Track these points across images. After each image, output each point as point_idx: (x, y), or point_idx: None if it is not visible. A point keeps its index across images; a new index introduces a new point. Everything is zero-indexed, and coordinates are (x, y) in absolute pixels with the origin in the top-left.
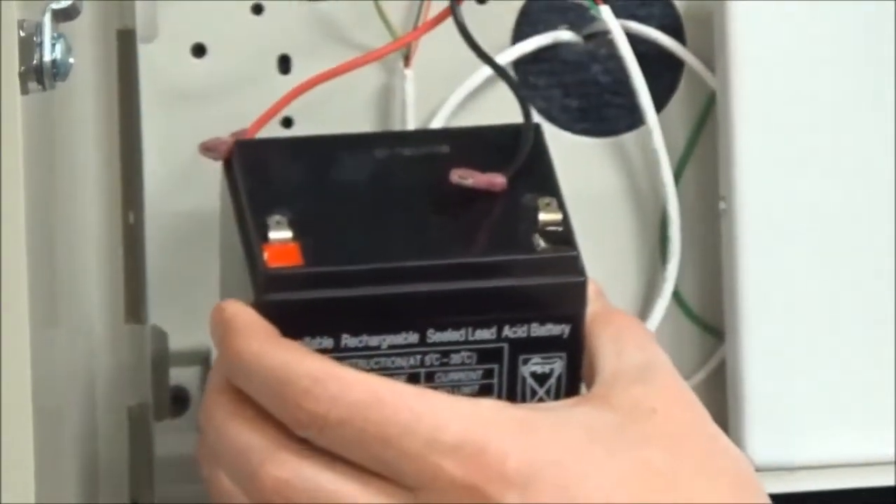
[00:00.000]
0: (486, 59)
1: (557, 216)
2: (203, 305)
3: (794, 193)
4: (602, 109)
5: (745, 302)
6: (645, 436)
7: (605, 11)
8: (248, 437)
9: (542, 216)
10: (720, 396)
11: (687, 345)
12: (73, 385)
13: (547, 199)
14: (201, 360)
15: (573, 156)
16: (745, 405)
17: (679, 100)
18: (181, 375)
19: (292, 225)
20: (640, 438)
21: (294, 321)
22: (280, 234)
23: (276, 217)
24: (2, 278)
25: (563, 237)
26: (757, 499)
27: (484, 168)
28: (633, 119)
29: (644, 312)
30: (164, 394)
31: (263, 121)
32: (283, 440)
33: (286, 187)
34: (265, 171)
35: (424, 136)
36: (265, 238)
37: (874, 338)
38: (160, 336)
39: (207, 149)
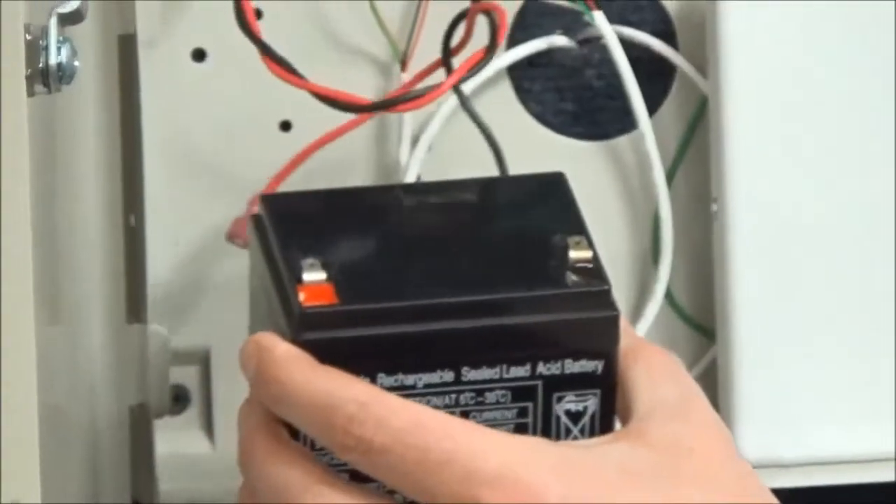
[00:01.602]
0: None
1: (588, 254)
2: (202, 305)
3: (785, 196)
4: (596, 113)
5: (737, 302)
6: (682, 475)
7: (599, 17)
8: (287, 474)
9: (573, 254)
10: (712, 395)
11: (679, 345)
12: (76, 384)
13: (577, 238)
14: (200, 359)
15: (567, 158)
16: (736, 403)
17: (671, 104)
18: (181, 374)
19: (325, 267)
20: (678, 477)
21: (331, 360)
22: (314, 275)
23: (309, 260)
24: (6, 278)
25: (594, 273)
26: None
27: (509, 216)
28: (626, 123)
29: (636, 313)
30: (165, 392)
31: (278, 180)
32: (322, 475)
33: (316, 234)
34: (293, 220)
35: (449, 186)
36: (299, 280)
37: (865, 335)
38: (160, 336)
39: (232, 235)
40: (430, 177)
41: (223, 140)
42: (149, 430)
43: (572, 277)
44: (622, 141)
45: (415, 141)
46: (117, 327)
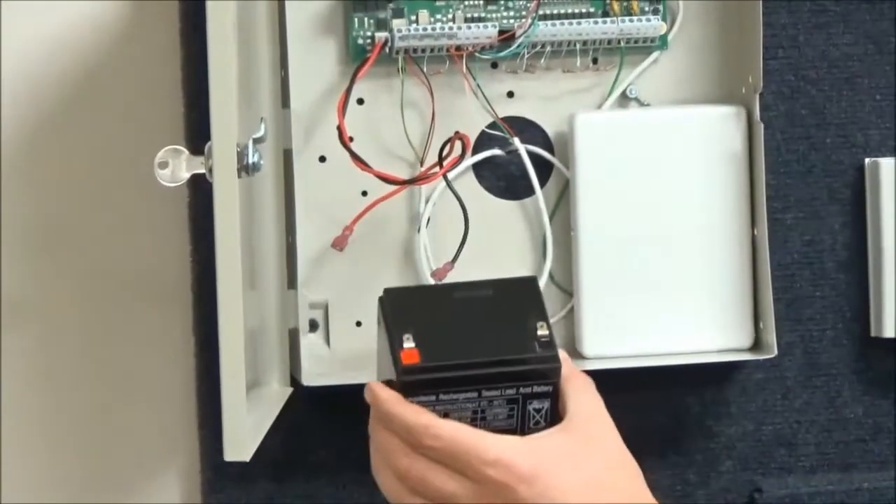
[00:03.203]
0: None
1: (547, 333)
2: (324, 280)
3: (608, 225)
4: (514, 187)
5: (581, 279)
6: (590, 453)
7: (516, 140)
8: (390, 444)
9: (539, 332)
10: (570, 323)
11: (554, 300)
12: (262, 318)
13: (541, 323)
14: (323, 306)
15: (500, 210)
16: (582, 328)
17: (551, 182)
18: (313, 314)
19: (415, 339)
20: (586, 454)
21: (417, 388)
22: (408, 344)
23: (406, 335)
24: (227, 269)
25: (549, 344)
26: (643, 484)
27: (507, 308)
28: (529, 192)
29: None
30: (306, 322)
31: (356, 220)
32: (408, 450)
33: (409, 315)
34: (398, 305)
35: (478, 285)
36: (401, 346)
37: (665, 287)
38: (304, 295)
39: (335, 244)
40: (431, 216)
41: (334, 201)
42: (297, 340)
43: (537, 346)
44: (528, 201)
45: (426, 200)
46: (282, 291)
